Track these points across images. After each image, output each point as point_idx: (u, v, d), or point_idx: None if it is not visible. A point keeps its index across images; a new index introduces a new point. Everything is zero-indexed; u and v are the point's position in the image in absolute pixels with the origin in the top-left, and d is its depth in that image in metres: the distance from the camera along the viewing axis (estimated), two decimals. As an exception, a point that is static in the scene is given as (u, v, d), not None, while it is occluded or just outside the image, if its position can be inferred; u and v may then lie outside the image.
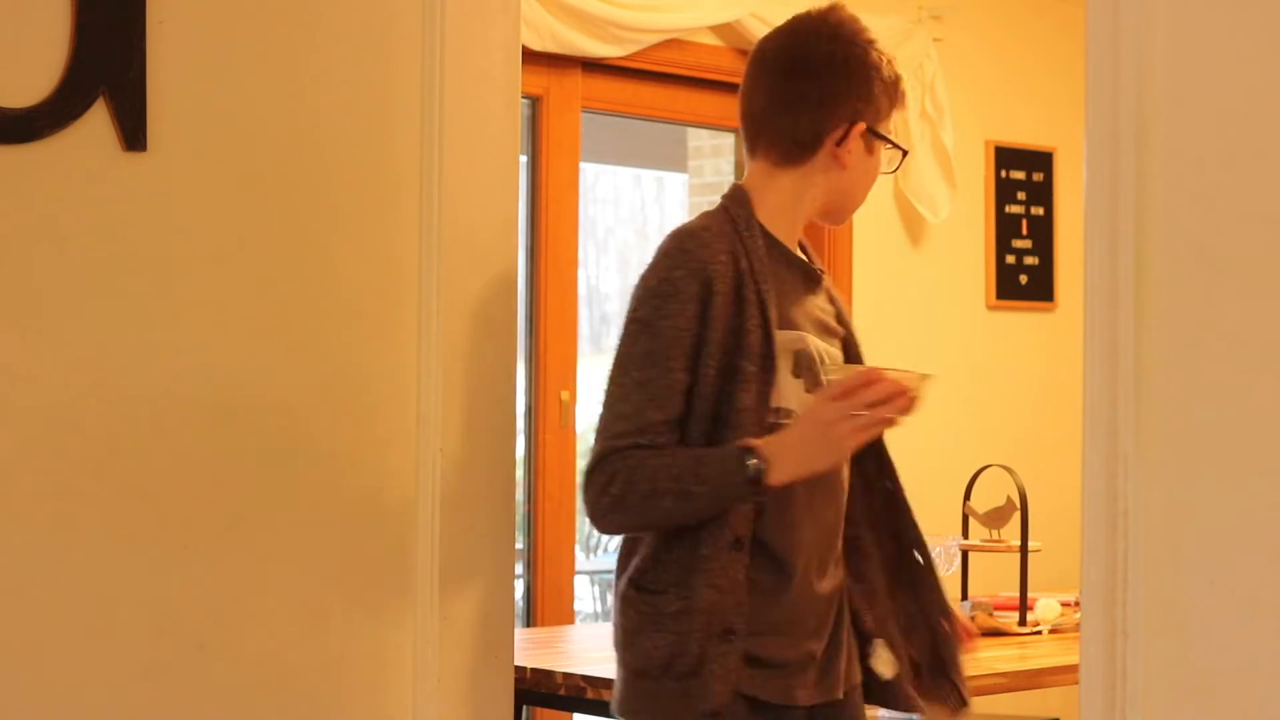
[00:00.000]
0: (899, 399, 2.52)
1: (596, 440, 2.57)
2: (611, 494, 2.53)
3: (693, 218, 2.67)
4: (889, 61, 2.70)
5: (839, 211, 2.76)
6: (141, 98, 2.57)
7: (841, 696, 2.70)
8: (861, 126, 2.66)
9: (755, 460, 2.50)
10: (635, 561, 2.63)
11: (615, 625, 2.66)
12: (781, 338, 2.60)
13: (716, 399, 2.56)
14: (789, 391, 2.60)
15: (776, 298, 2.61)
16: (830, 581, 2.68)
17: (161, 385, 2.61)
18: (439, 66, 2.82)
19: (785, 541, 2.61)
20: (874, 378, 2.52)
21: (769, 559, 2.60)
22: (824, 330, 2.71)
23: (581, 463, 4.27)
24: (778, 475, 2.51)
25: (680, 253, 2.58)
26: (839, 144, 2.66)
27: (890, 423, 2.55)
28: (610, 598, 2.75)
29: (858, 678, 2.74)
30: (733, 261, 2.58)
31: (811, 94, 2.66)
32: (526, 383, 5.02)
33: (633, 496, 2.52)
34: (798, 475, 2.54)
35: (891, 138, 2.72)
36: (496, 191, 2.90)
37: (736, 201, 2.67)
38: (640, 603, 2.60)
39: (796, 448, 2.53)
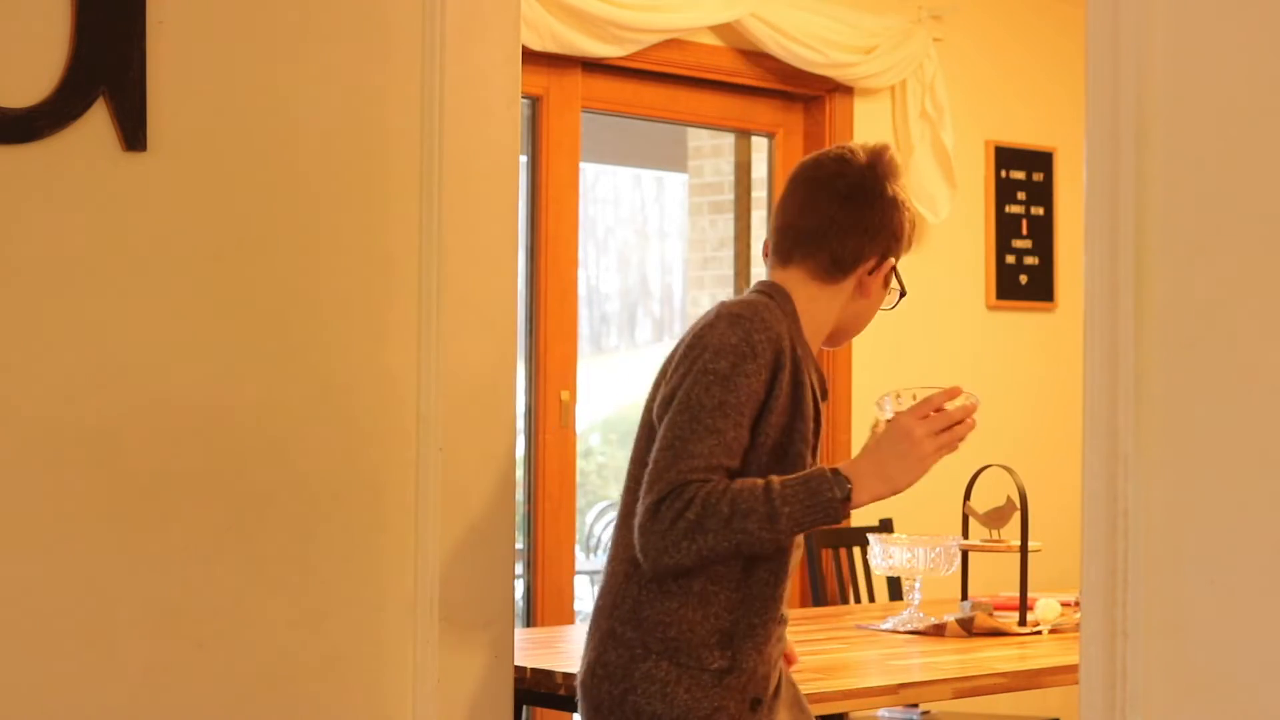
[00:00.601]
0: (969, 421, 2.62)
1: (659, 477, 2.55)
2: (688, 519, 2.51)
3: (736, 298, 2.72)
4: (912, 208, 2.83)
5: (844, 334, 2.83)
6: (141, 98, 2.57)
7: None
8: (892, 262, 2.77)
9: (842, 479, 2.55)
10: (649, 606, 2.61)
11: (607, 665, 2.63)
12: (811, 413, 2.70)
13: (766, 470, 2.60)
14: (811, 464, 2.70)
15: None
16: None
17: (161, 384, 2.61)
18: (439, 66, 2.82)
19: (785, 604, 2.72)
20: (954, 397, 2.62)
21: (778, 622, 2.71)
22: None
23: (582, 462, 4.27)
24: (863, 494, 2.57)
25: (760, 320, 2.62)
26: (870, 273, 2.75)
27: (959, 441, 2.62)
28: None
29: None
30: (791, 344, 2.65)
31: (863, 222, 2.75)
32: (526, 383, 5.02)
33: (712, 520, 2.52)
34: (881, 494, 2.60)
35: (903, 282, 2.82)
36: (496, 191, 2.90)
37: (782, 297, 2.73)
38: (671, 653, 2.60)
39: (882, 465, 2.59)
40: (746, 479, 2.56)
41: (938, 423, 2.59)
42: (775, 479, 2.54)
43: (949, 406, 2.61)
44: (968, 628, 3.89)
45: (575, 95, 5.06)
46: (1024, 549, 3.99)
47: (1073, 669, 2.50)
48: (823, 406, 2.76)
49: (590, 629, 2.68)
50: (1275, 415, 1.83)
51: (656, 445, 2.57)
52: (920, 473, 2.60)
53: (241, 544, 2.67)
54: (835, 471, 2.55)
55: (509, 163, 2.92)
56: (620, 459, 14.76)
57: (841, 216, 2.74)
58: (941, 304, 5.64)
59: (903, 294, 2.82)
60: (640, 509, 2.54)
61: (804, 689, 2.88)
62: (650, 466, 2.56)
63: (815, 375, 2.72)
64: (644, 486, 2.55)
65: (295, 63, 2.73)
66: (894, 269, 2.78)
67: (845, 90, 5.36)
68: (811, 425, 2.65)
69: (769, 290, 2.72)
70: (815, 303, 2.74)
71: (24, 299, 2.50)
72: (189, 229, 2.64)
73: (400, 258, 2.82)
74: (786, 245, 2.76)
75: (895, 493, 2.61)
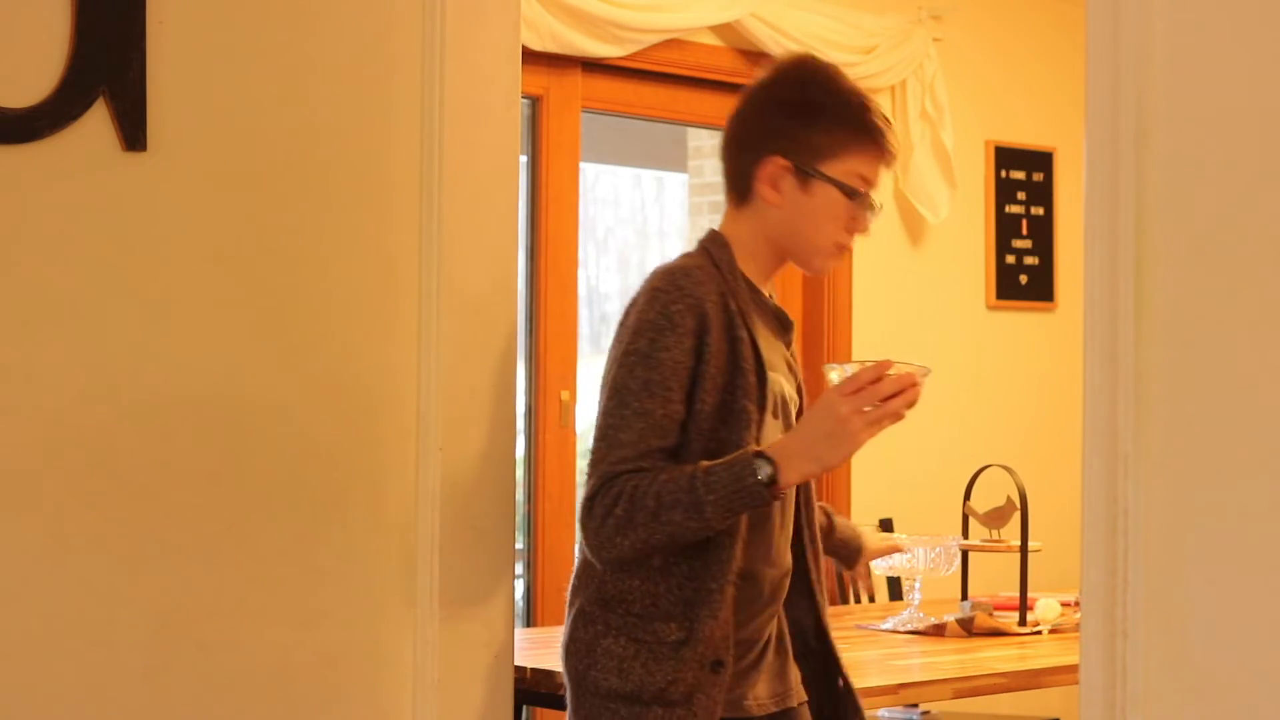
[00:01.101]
0: (909, 392, 2.54)
1: (593, 470, 2.56)
2: (616, 515, 2.52)
3: (672, 259, 2.69)
4: (851, 104, 2.71)
5: (792, 253, 2.74)
6: (141, 98, 2.57)
7: (795, 705, 2.76)
8: (782, 162, 2.68)
9: (765, 461, 2.51)
10: (611, 584, 2.63)
11: (576, 641, 2.65)
12: (773, 380, 2.66)
13: (712, 435, 2.58)
14: (769, 433, 2.65)
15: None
16: (780, 594, 2.75)
17: (162, 385, 2.61)
18: (439, 66, 2.82)
19: (764, 567, 2.68)
20: (885, 371, 2.53)
21: (748, 585, 2.66)
22: (790, 374, 2.77)
23: (581, 463, 4.27)
24: (789, 475, 2.52)
25: (676, 289, 2.59)
26: (768, 181, 2.69)
27: (899, 416, 2.56)
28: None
29: (804, 695, 2.80)
30: (722, 301, 2.62)
31: (738, 135, 2.76)
32: (526, 383, 5.02)
33: (640, 514, 2.52)
34: (810, 473, 2.56)
35: (836, 178, 2.68)
36: (496, 191, 2.90)
37: (717, 245, 2.71)
38: (630, 628, 2.61)
39: (809, 444, 2.53)
40: (675, 468, 2.54)
41: (865, 399, 2.51)
42: (702, 465, 2.53)
43: (892, 373, 2.54)
44: (968, 628, 3.89)
45: (575, 95, 5.06)
46: (1024, 549, 3.99)
47: (1073, 669, 2.50)
48: (792, 343, 2.76)
49: (567, 607, 2.70)
50: (1275, 415, 1.83)
51: (594, 435, 2.58)
52: (851, 448, 2.54)
53: (241, 544, 2.67)
54: (760, 454, 2.51)
55: (509, 163, 2.92)
56: (620, 459, 14.77)
57: (727, 140, 2.76)
58: (941, 304, 5.64)
59: (847, 191, 2.69)
60: (578, 504, 2.58)
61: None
62: (589, 458, 2.57)
63: (767, 316, 2.70)
64: (586, 478, 2.58)
65: (295, 62, 2.73)
66: (799, 169, 2.68)
67: (845, 90, 5.35)
68: (754, 379, 2.60)
69: (708, 243, 2.71)
70: (743, 234, 2.71)
71: (24, 299, 2.50)
72: (189, 229, 2.64)
73: (400, 257, 2.82)
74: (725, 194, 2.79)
75: (828, 469, 2.59)
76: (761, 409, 2.62)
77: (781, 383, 2.70)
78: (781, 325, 2.76)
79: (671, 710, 2.57)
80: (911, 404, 2.55)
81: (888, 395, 2.52)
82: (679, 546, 2.57)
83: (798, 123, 2.70)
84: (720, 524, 2.54)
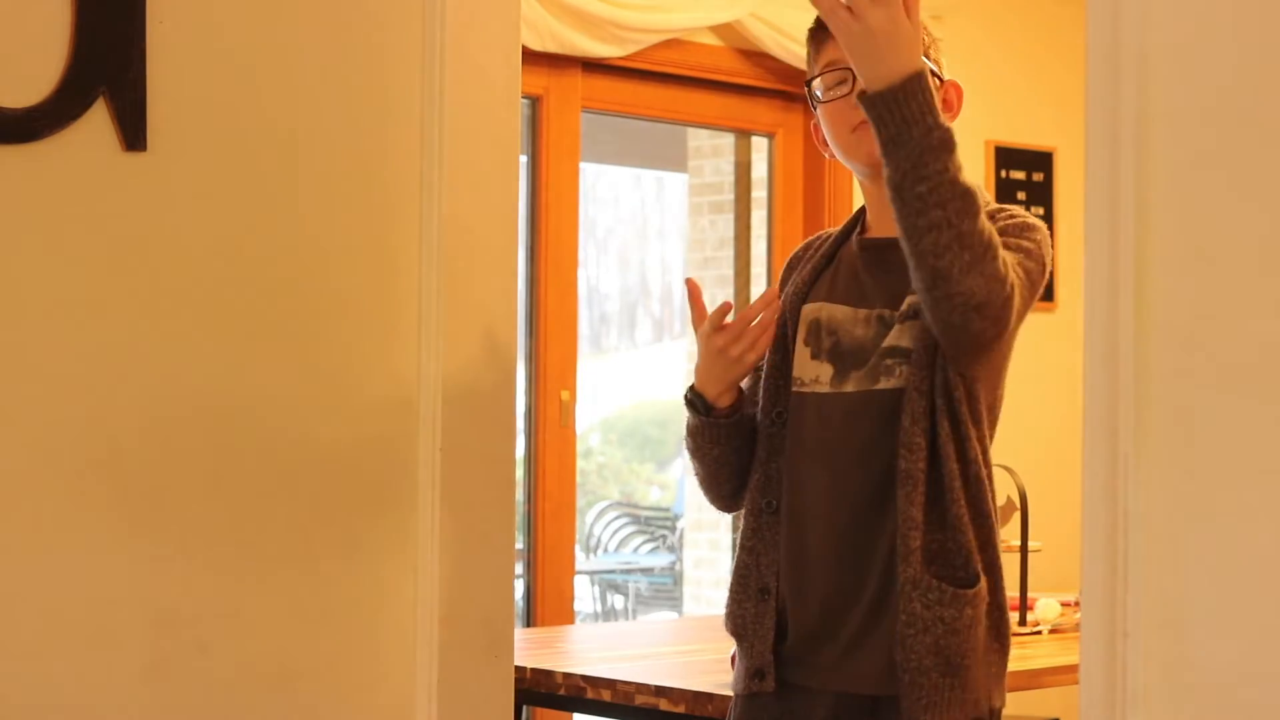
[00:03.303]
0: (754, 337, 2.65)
1: None
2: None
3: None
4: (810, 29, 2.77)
5: (842, 154, 2.73)
6: (141, 98, 2.57)
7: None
8: (813, 115, 2.77)
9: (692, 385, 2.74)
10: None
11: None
12: (805, 309, 2.70)
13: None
14: (797, 359, 2.69)
15: (830, 273, 2.72)
16: (856, 557, 2.63)
17: (161, 385, 2.61)
18: (439, 66, 2.82)
19: (794, 505, 2.68)
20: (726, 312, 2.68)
21: (790, 525, 2.69)
22: (865, 302, 2.69)
23: (582, 462, 4.26)
24: (702, 388, 2.72)
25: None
26: (819, 138, 2.78)
27: (767, 341, 2.67)
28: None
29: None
30: (804, 250, 2.84)
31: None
32: (526, 383, 5.02)
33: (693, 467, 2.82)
34: (709, 389, 2.71)
35: (816, 73, 2.72)
36: (496, 191, 2.90)
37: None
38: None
39: (701, 370, 2.73)
40: None
41: (719, 338, 2.65)
42: None
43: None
44: (968, 628, 3.88)
45: (575, 95, 5.06)
46: (1024, 549, 3.99)
47: (1073, 669, 2.51)
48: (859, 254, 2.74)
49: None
50: (1275, 415, 1.83)
51: None
52: (711, 376, 2.69)
53: (242, 544, 2.67)
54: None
55: (509, 163, 2.92)
56: (620, 459, 14.75)
57: None
58: (941, 304, 5.63)
59: (827, 85, 2.68)
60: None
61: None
62: None
63: (869, 252, 2.73)
64: None
65: (295, 62, 2.73)
66: (807, 84, 2.74)
67: (845, 90, 5.35)
68: (789, 327, 2.71)
69: None
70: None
71: (23, 299, 2.50)
72: (189, 229, 2.64)
73: (400, 257, 2.82)
74: None
75: (707, 390, 2.71)
76: (783, 336, 2.70)
77: (825, 308, 2.68)
78: (882, 263, 2.68)
79: (740, 644, 2.75)
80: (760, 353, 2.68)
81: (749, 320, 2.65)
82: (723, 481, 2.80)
83: (809, 41, 2.78)
84: (712, 459, 2.75)
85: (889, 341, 2.61)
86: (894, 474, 2.56)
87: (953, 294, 2.43)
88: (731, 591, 2.72)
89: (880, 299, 2.65)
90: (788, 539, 2.67)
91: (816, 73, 2.71)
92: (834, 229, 2.82)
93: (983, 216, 2.42)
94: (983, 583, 2.59)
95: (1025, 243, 2.60)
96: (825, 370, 2.66)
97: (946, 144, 2.37)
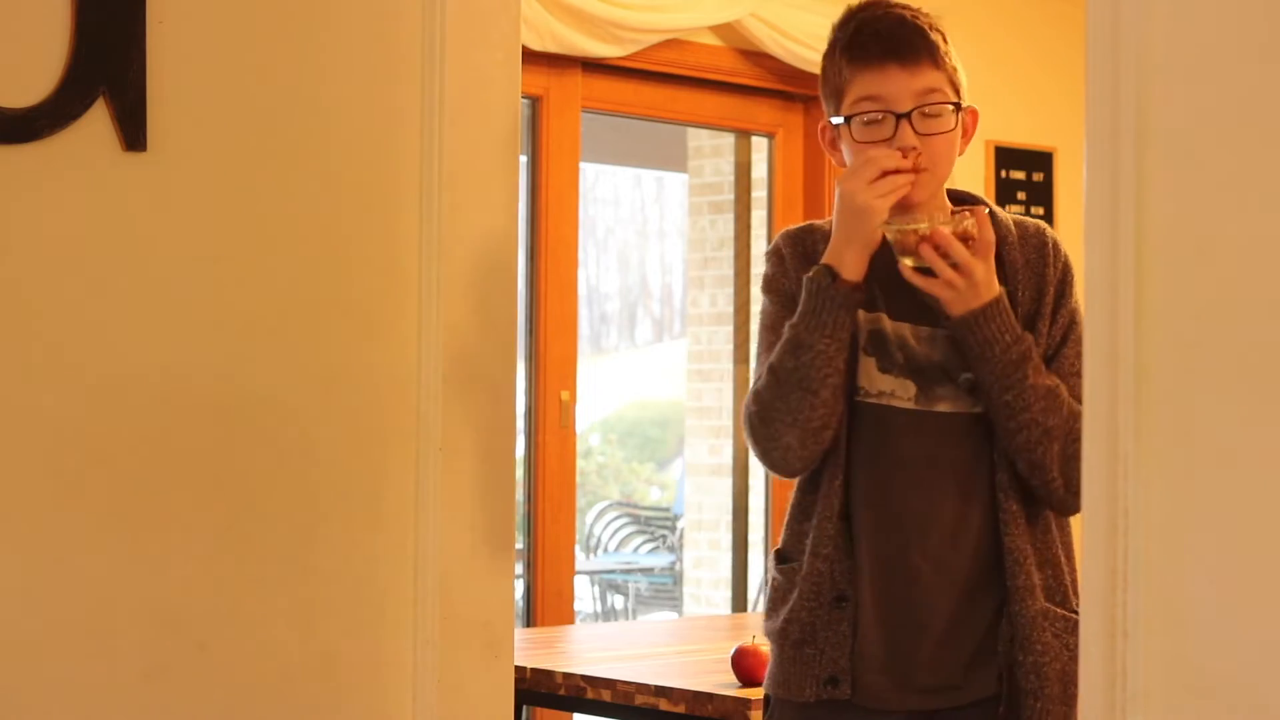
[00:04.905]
0: (908, 166, 2.58)
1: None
2: (748, 409, 2.68)
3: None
4: (847, 24, 2.74)
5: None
6: (141, 98, 2.57)
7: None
8: (824, 123, 2.75)
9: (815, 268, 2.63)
10: (782, 535, 2.76)
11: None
12: (863, 318, 2.68)
13: None
14: (861, 369, 2.68)
15: (869, 283, 2.66)
16: (940, 575, 2.66)
17: (161, 385, 2.61)
18: (439, 66, 2.82)
19: (880, 520, 2.67)
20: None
21: (873, 538, 2.67)
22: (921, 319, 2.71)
23: (582, 462, 4.26)
24: (832, 258, 2.61)
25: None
26: (831, 148, 2.75)
27: (906, 185, 2.58)
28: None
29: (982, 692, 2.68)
30: (809, 233, 2.78)
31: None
32: (526, 383, 5.02)
33: (764, 394, 2.64)
34: (845, 253, 2.60)
35: (844, 114, 2.69)
36: (496, 191, 2.90)
37: None
38: (776, 573, 2.74)
39: (837, 233, 2.62)
40: None
41: (864, 174, 2.58)
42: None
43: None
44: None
45: (575, 95, 5.06)
46: (1024, 549, 3.98)
47: (1073, 669, 2.51)
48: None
49: None
50: (1275, 415, 1.83)
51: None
52: (863, 216, 2.58)
53: (241, 544, 2.67)
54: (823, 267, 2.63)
55: (509, 163, 2.92)
56: (620, 459, 14.75)
57: None
58: (941, 304, 5.63)
59: (848, 122, 2.67)
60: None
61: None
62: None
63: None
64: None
65: (296, 63, 2.73)
66: (837, 125, 2.71)
67: (845, 90, 5.35)
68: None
69: None
70: None
71: (23, 299, 2.50)
72: (189, 230, 2.64)
73: (400, 257, 2.82)
74: None
75: (853, 241, 2.60)
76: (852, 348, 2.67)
77: (883, 320, 2.68)
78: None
79: (799, 650, 2.71)
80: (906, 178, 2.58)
81: (888, 170, 2.57)
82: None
83: (821, 75, 2.75)
84: (826, 344, 2.60)
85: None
86: (983, 498, 2.66)
87: (1049, 481, 2.62)
88: (801, 598, 2.67)
89: (936, 314, 2.67)
90: (870, 552, 2.66)
91: (849, 110, 2.67)
92: (821, 224, 2.76)
93: (1066, 407, 2.61)
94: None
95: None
96: (905, 387, 2.66)
97: (1026, 356, 2.60)
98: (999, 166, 5.75)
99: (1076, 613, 2.56)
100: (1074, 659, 2.59)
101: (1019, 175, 5.80)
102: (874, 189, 2.56)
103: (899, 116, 2.62)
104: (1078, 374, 2.61)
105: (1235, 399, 1.86)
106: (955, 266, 2.57)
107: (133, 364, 2.59)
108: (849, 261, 2.60)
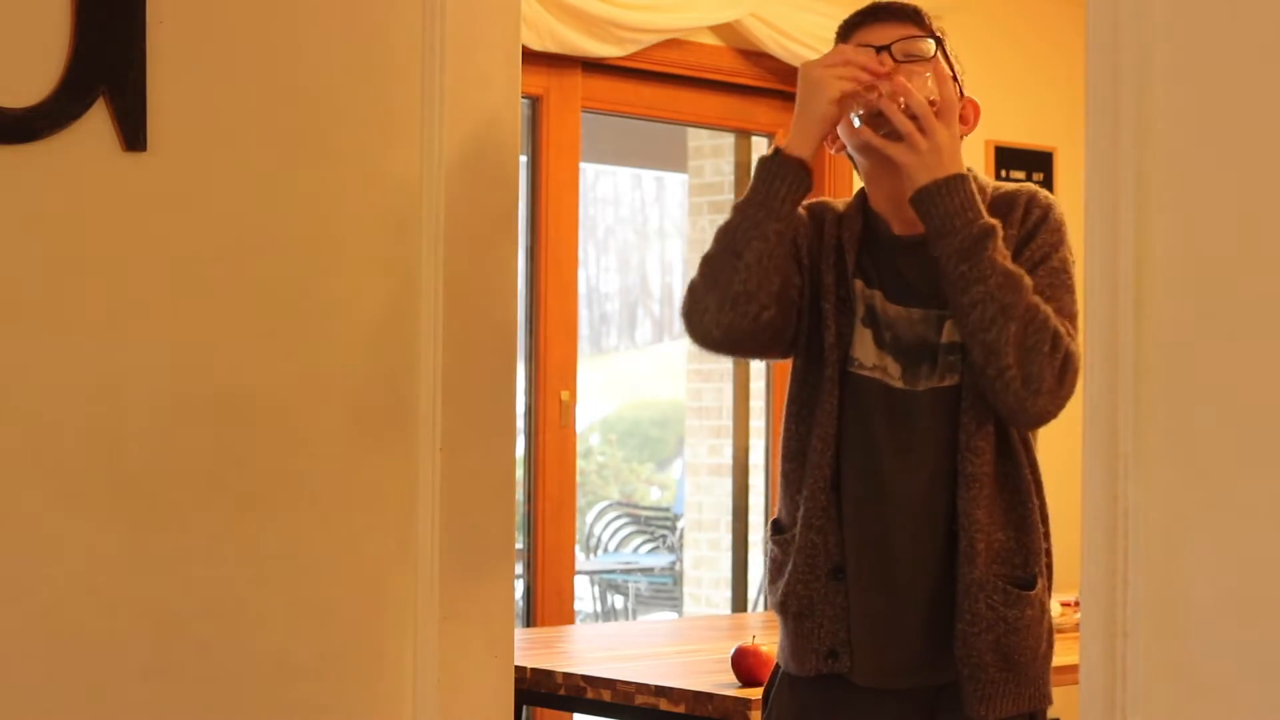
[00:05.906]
0: (875, 67, 2.62)
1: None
2: (693, 284, 2.65)
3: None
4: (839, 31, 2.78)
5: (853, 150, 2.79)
6: (141, 98, 2.57)
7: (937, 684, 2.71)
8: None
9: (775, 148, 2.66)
10: (778, 505, 2.77)
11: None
12: (860, 290, 2.69)
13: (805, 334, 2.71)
14: (857, 338, 2.69)
15: (868, 261, 2.70)
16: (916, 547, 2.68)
17: (162, 385, 2.61)
18: (439, 66, 2.82)
19: (868, 491, 2.68)
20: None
21: (860, 510, 2.69)
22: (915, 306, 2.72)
23: (582, 462, 4.27)
24: (788, 141, 2.64)
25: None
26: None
27: (867, 78, 2.62)
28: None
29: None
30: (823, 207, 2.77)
31: None
32: (526, 383, 5.02)
33: (703, 260, 2.64)
34: (794, 127, 2.64)
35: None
36: (496, 191, 2.90)
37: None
38: (773, 544, 2.75)
39: (797, 112, 2.65)
40: None
41: (834, 60, 2.63)
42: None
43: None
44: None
45: (575, 95, 5.06)
46: (1024, 549, 3.98)
47: (1073, 669, 2.50)
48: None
49: None
50: (1275, 415, 1.83)
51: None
52: (822, 94, 2.61)
53: (241, 544, 2.67)
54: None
55: (509, 163, 2.93)
56: (620, 459, 14.76)
57: None
58: (941, 304, 5.63)
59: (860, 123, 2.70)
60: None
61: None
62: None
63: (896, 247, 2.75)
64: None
65: (296, 63, 2.73)
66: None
67: (845, 90, 5.36)
68: (845, 293, 2.71)
69: None
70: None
71: (23, 299, 2.50)
72: (189, 230, 2.64)
73: (401, 258, 2.82)
74: None
75: (810, 120, 2.63)
76: (843, 311, 2.69)
77: (879, 300, 2.69)
78: (920, 262, 2.69)
79: (800, 623, 2.72)
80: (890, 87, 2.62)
81: (853, 61, 2.62)
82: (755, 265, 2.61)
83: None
84: (765, 213, 2.60)
85: (946, 337, 2.66)
86: (954, 471, 2.65)
87: (1004, 369, 2.56)
88: (796, 571, 2.68)
89: (928, 298, 2.69)
90: (856, 524, 2.68)
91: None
92: (835, 202, 2.80)
93: (1030, 295, 2.57)
94: (1040, 584, 2.74)
95: (1066, 278, 2.69)
96: (892, 365, 2.68)
97: (989, 234, 2.58)
98: (999, 166, 5.75)
99: (1032, 587, 2.68)
100: (1013, 630, 2.65)
101: (1019, 175, 5.80)
102: (832, 69, 2.62)
103: (879, 49, 2.69)
104: (1047, 300, 2.60)
105: (1235, 399, 1.86)
106: (916, 123, 2.59)
107: (132, 363, 2.59)
108: (797, 136, 2.63)
